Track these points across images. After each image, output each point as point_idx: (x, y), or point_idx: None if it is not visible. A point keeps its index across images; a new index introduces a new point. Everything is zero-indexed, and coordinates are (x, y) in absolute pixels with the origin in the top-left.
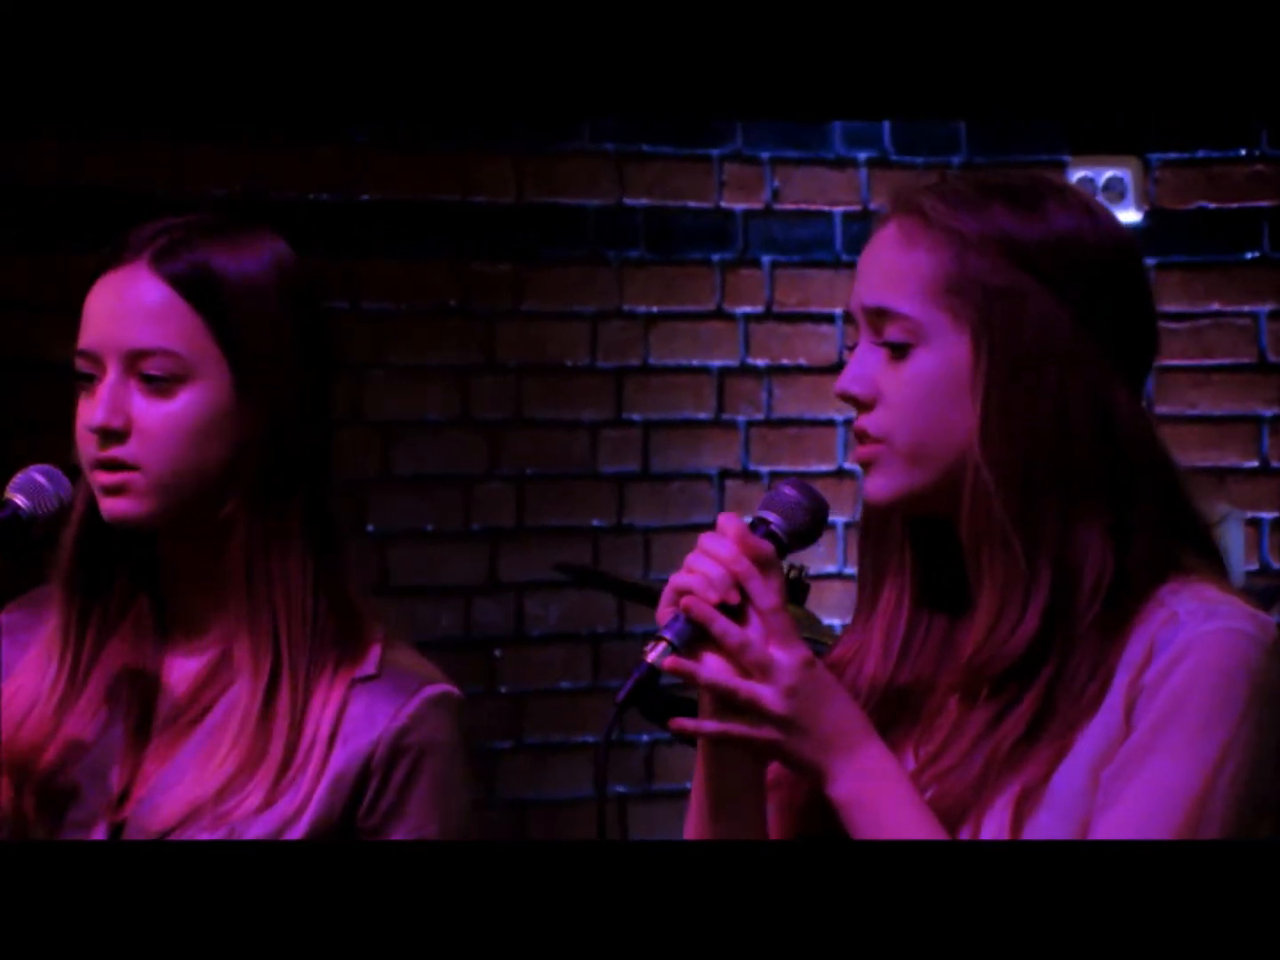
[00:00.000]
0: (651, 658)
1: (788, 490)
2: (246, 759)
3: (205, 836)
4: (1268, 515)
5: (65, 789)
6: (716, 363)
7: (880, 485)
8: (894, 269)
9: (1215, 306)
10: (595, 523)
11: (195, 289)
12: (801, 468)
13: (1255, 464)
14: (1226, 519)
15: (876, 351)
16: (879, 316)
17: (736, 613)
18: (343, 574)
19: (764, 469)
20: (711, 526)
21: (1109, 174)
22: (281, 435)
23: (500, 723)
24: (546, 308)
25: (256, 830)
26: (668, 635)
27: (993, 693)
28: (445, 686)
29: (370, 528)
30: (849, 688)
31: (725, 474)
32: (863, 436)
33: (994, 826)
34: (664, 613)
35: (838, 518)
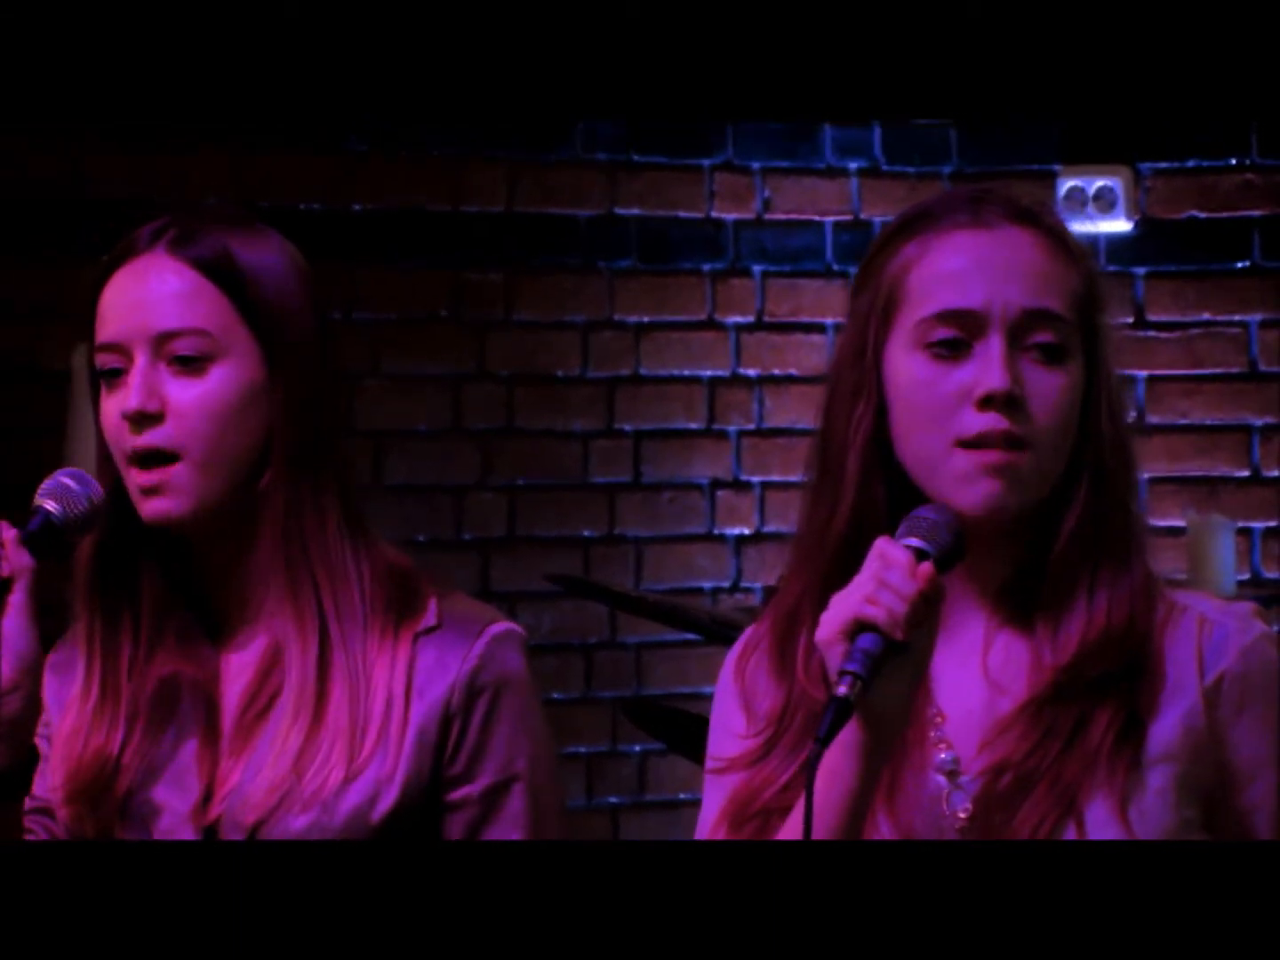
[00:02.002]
0: (844, 692)
1: (927, 514)
2: (311, 732)
3: (300, 821)
4: (1259, 525)
5: (145, 802)
6: (708, 372)
7: (1020, 497)
8: (1052, 276)
9: (1206, 316)
10: (586, 533)
11: (218, 270)
12: (793, 478)
13: (1246, 473)
14: (1217, 529)
15: (1022, 358)
16: (1039, 320)
17: (903, 647)
18: (376, 537)
19: (755, 479)
20: (703, 537)
21: (1100, 183)
22: (311, 410)
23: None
24: (538, 317)
25: (349, 800)
26: (853, 668)
27: (1073, 693)
28: (507, 624)
29: None
30: None
31: (717, 484)
32: (1013, 440)
33: (1099, 823)
34: (836, 641)
35: None
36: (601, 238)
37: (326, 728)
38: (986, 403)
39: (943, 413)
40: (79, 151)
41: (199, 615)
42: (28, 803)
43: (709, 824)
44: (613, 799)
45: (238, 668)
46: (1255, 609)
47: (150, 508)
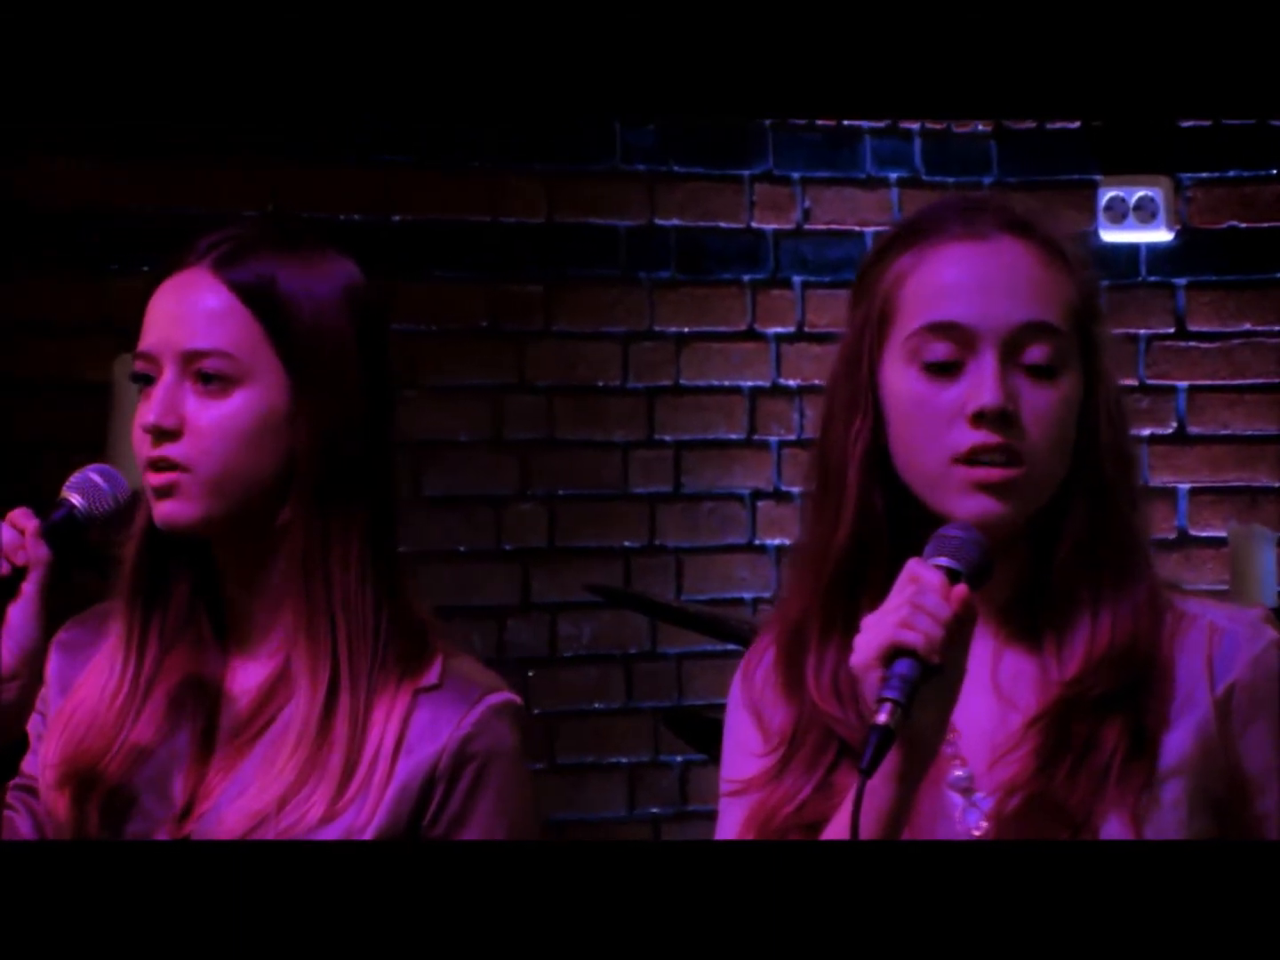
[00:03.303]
0: (884, 720)
1: (955, 532)
2: (305, 769)
3: None
4: None
5: (128, 800)
6: (748, 383)
7: (1017, 511)
8: (1045, 289)
9: (1247, 326)
10: (627, 543)
11: (255, 295)
12: None
13: None
14: (1259, 539)
15: (1014, 371)
16: (1033, 333)
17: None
18: (404, 586)
19: (796, 489)
20: (744, 547)
21: (1140, 193)
22: (339, 446)
23: (533, 744)
24: (578, 328)
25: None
26: (892, 695)
27: (1081, 708)
28: (507, 695)
29: (403, 548)
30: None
31: (757, 494)
32: (1003, 456)
33: (1114, 839)
34: (873, 667)
35: None
36: (641, 248)
37: (318, 767)
38: (979, 419)
39: (937, 429)
40: (117, 167)
41: (216, 624)
42: (12, 780)
43: None
44: (654, 809)
45: (244, 685)
46: (1265, 614)
47: (160, 509)
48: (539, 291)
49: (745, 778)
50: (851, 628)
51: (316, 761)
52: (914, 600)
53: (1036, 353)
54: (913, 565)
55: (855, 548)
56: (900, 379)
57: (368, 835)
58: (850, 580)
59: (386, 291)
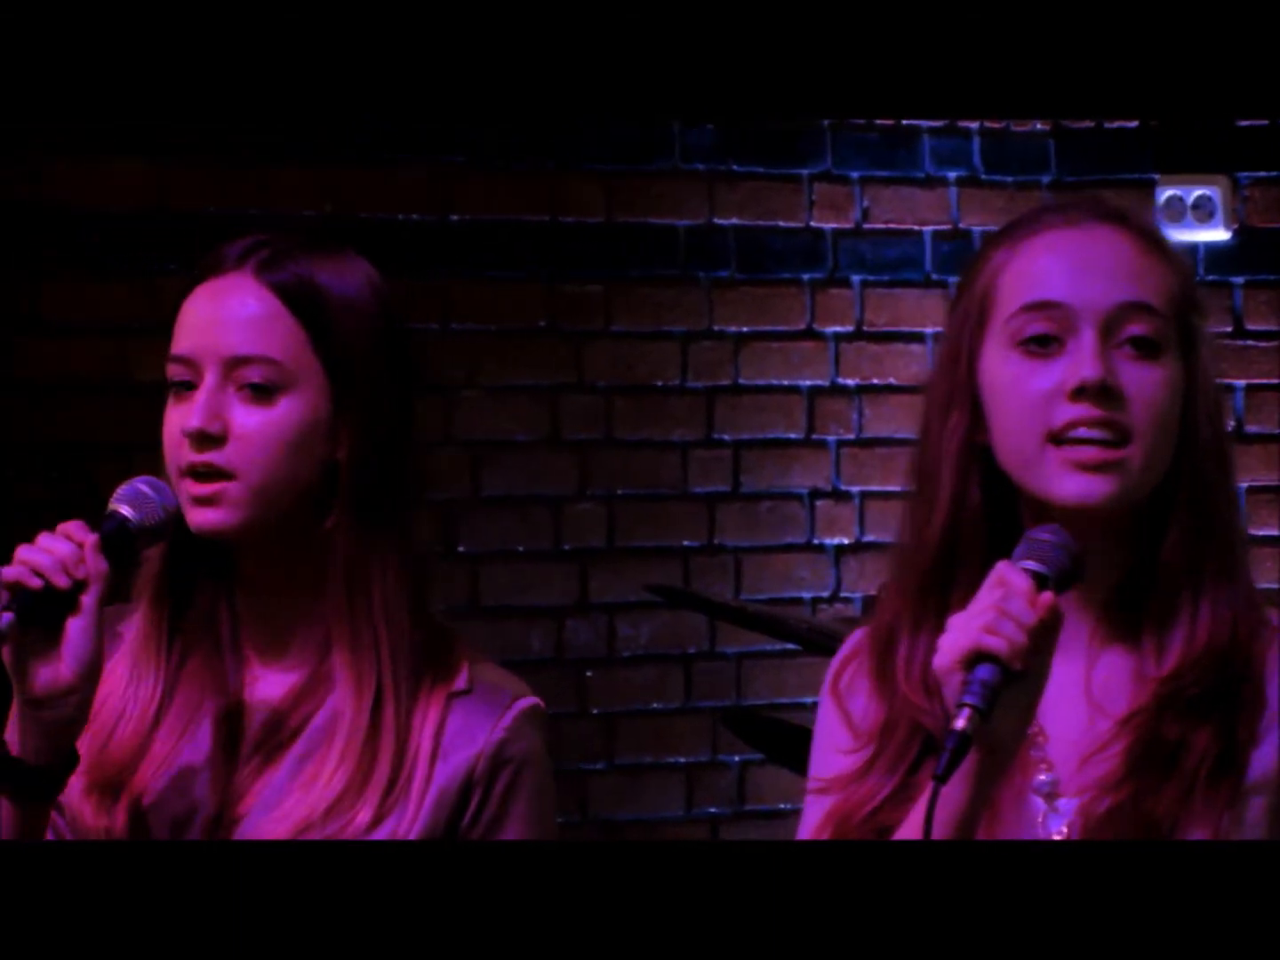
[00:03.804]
0: (962, 726)
1: (1045, 535)
2: (355, 776)
3: None
4: None
5: (154, 808)
6: (807, 382)
7: (1130, 492)
8: (1146, 272)
9: None
10: (686, 543)
11: (299, 300)
12: (892, 487)
13: None
14: None
15: (1117, 351)
16: (1135, 312)
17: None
18: (428, 591)
19: (854, 489)
20: (803, 547)
21: (1198, 192)
22: (378, 451)
23: (592, 743)
24: (636, 328)
25: None
26: (972, 701)
27: (1176, 708)
28: (534, 699)
29: (461, 548)
30: None
31: (816, 494)
32: (1110, 434)
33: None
34: (955, 670)
35: None
36: (700, 248)
37: (365, 773)
38: (1079, 393)
39: (1035, 408)
40: (168, 167)
41: (235, 633)
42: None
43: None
44: (712, 809)
45: (266, 693)
46: None
47: (199, 517)
48: (598, 291)
49: (829, 776)
50: (943, 625)
51: (363, 768)
52: (1000, 605)
53: (1137, 329)
54: (1001, 568)
55: (948, 545)
56: (1000, 363)
57: (412, 837)
58: (943, 577)
59: (441, 292)
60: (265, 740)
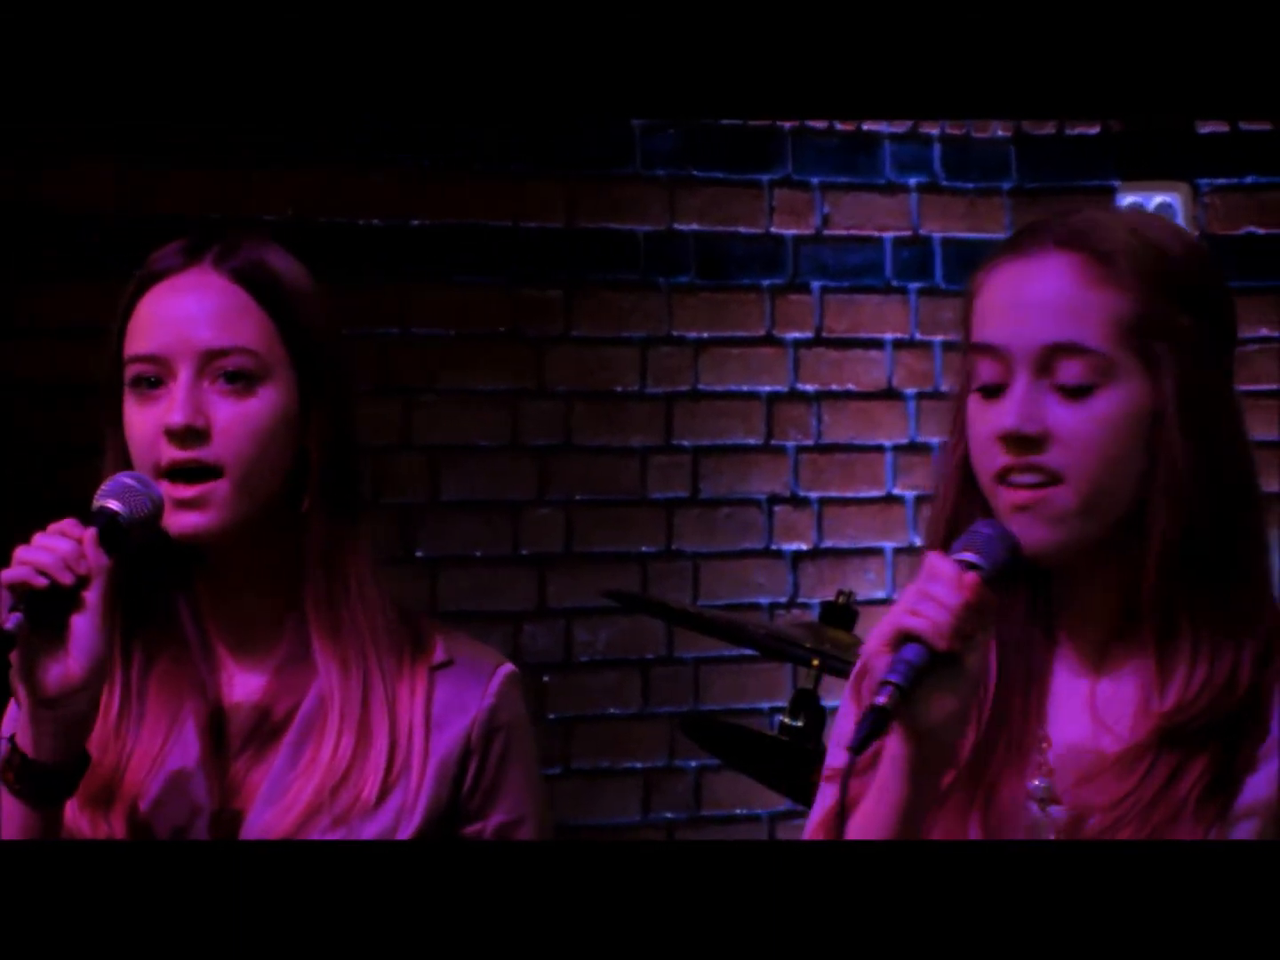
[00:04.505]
0: (882, 701)
1: (984, 529)
2: (355, 754)
3: (326, 838)
4: None
5: (150, 810)
6: (766, 388)
7: (1055, 533)
8: (1080, 306)
9: (1264, 332)
10: (644, 548)
11: (263, 289)
12: (851, 493)
13: None
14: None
15: (1047, 390)
16: (1061, 353)
17: (951, 659)
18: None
19: (813, 495)
20: (761, 552)
21: (1158, 199)
22: (343, 435)
23: (549, 748)
24: (596, 333)
25: (374, 826)
26: (894, 678)
27: (1174, 741)
28: (512, 665)
29: (419, 553)
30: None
31: (774, 499)
32: (1036, 476)
33: None
34: (881, 652)
35: (886, 543)
36: (660, 253)
37: (364, 751)
38: (1004, 440)
39: (985, 450)
40: (133, 170)
41: (200, 631)
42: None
43: (810, 827)
44: (668, 814)
45: (245, 688)
46: None
47: (183, 521)
48: (558, 296)
49: (836, 766)
50: None
51: (362, 746)
52: (922, 587)
53: (1067, 371)
54: (929, 556)
55: None
56: (969, 400)
57: (417, 812)
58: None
59: (401, 295)
60: (254, 733)
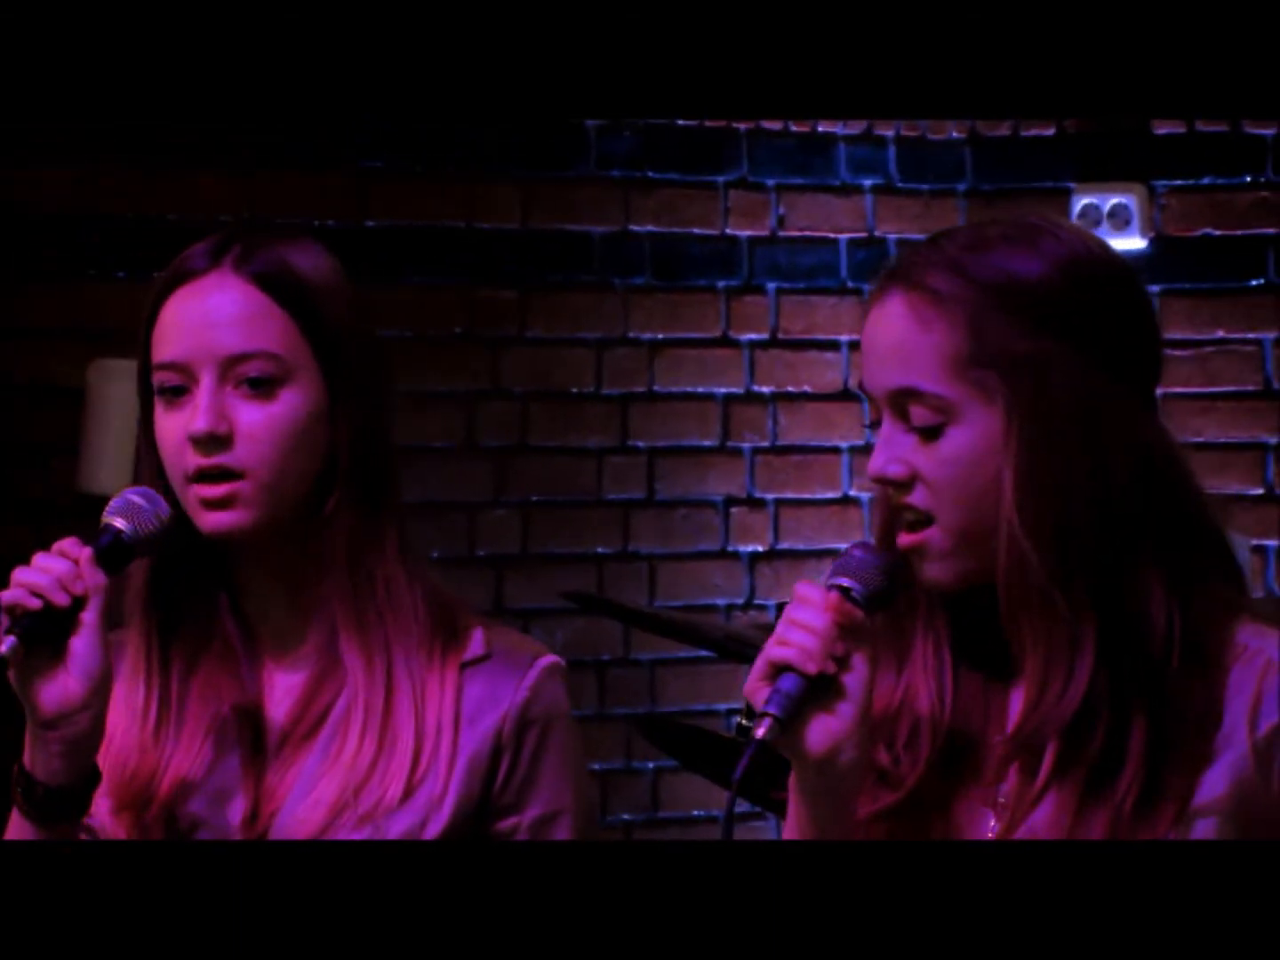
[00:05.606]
0: (761, 734)
1: (859, 553)
2: (378, 753)
3: (353, 839)
4: (1273, 543)
5: (187, 816)
6: (722, 389)
7: (940, 571)
8: (913, 349)
9: (1220, 334)
10: (600, 549)
11: (284, 291)
12: (807, 495)
13: (1260, 491)
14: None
15: (906, 432)
16: (905, 397)
17: (830, 683)
18: (427, 565)
19: (769, 496)
20: (717, 554)
21: (1114, 200)
22: (371, 432)
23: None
24: (552, 334)
25: (401, 823)
26: (772, 710)
27: (1081, 755)
28: (553, 656)
29: None
30: (909, 732)
31: (730, 501)
32: (912, 516)
33: None
34: (758, 687)
35: (843, 545)
36: (616, 254)
37: (389, 749)
38: (877, 480)
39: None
40: (89, 169)
41: (243, 634)
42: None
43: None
44: (626, 816)
45: (284, 689)
46: None
47: (213, 519)
48: (513, 297)
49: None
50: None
51: (386, 745)
52: (788, 615)
53: (916, 415)
54: (797, 585)
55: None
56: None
57: (445, 808)
58: (897, 618)
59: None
60: (291, 732)
